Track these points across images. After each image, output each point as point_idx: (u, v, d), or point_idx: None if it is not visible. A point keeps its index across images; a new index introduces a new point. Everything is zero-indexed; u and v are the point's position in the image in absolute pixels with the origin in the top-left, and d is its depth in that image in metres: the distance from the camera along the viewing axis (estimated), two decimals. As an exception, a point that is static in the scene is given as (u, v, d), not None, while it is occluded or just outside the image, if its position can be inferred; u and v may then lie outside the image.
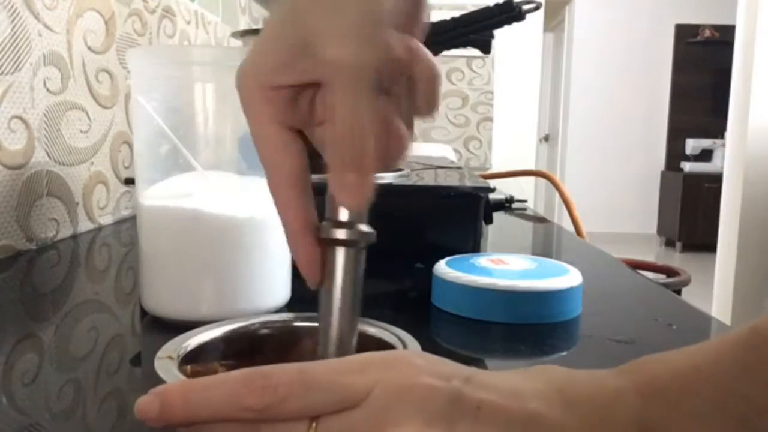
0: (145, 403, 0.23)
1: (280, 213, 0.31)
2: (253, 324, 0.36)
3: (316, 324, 0.36)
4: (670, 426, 0.23)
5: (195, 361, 0.33)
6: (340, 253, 0.30)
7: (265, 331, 0.37)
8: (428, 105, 0.32)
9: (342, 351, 0.30)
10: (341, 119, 0.28)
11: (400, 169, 0.84)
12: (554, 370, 0.26)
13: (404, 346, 0.33)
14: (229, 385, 0.23)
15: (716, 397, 0.23)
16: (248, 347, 0.36)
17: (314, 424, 0.23)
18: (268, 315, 0.38)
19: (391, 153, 0.30)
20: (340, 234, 0.30)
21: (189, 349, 0.33)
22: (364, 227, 0.30)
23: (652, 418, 0.24)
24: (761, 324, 0.25)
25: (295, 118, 0.30)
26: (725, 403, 0.23)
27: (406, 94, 0.31)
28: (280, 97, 0.30)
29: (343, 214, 0.30)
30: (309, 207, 0.31)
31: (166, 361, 0.30)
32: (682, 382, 0.24)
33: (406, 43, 0.30)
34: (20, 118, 0.72)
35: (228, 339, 0.35)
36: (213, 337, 0.34)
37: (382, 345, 0.34)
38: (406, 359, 0.25)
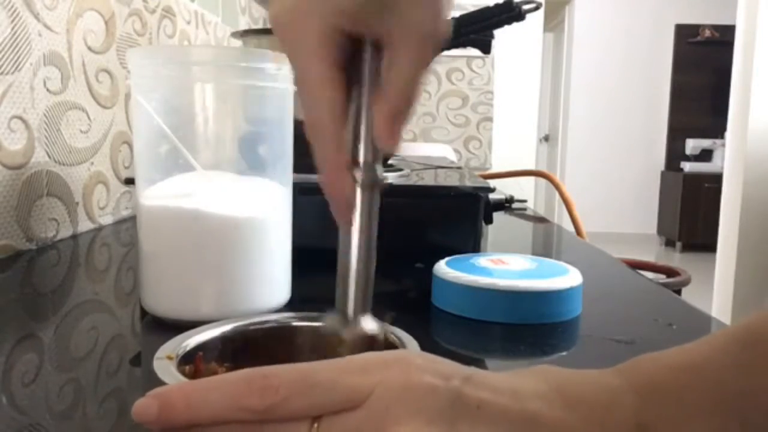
0: (143, 406, 0.23)
1: (321, 150, 0.32)
2: (253, 324, 0.36)
3: (315, 324, 0.36)
4: (667, 424, 0.24)
5: (194, 361, 0.33)
6: (364, 195, 0.32)
7: (264, 331, 0.37)
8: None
9: (362, 293, 0.32)
10: (407, 75, 0.31)
11: (400, 169, 0.84)
12: (553, 370, 0.26)
13: (403, 346, 0.33)
14: (230, 386, 0.23)
15: (712, 394, 0.24)
16: (247, 347, 0.36)
17: (316, 425, 0.23)
18: (268, 315, 0.38)
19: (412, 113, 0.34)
20: (365, 177, 0.32)
21: (188, 349, 0.33)
22: (381, 170, 0.33)
23: (649, 417, 0.24)
24: (755, 321, 0.25)
25: (344, 64, 0.32)
26: (722, 401, 0.23)
27: None
28: (341, 41, 0.31)
29: (363, 159, 0.32)
30: (345, 148, 0.32)
31: (165, 361, 0.30)
32: (679, 380, 0.24)
33: None
34: (20, 118, 0.72)
35: (227, 339, 0.35)
36: (212, 337, 0.34)
37: (379, 344, 0.34)
38: (407, 359, 0.25)
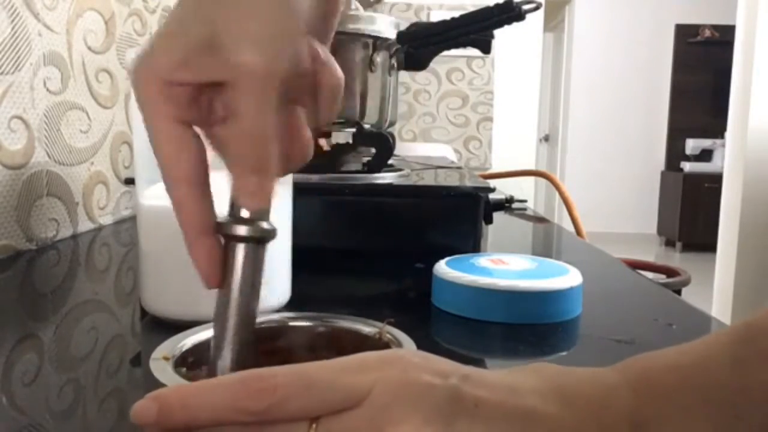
0: (142, 408, 0.23)
1: (176, 212, 0.30)
2: None
3: (312, 323, 0.36)
4: (663, 420, 0.24)
5: (191, 361, 0.33)
6: (240, 250, 0.29)
7: (262, 331, 0.36)
8: (329, 112, 0.32)
9: (237, 353, 0.29)
10: (245, 124, 0.28)
11: (400, 169, 0.84)
12: (549, 367, 0.26)
13: (400, 346, 0.33)
14: (228, 387, 0.23)
15: (708, 391, 0.24)
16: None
17: (314, 425, 0.23)
18: (266, 315, 0.38)
19: (294, 157, 0.31)
20: (242, 231, 0.29)
21: (184, 349, 0.32)
22: (266, 224, 0.30)
23: (645, 413, 0.24)
24: (754, 321, 0.25)
25: (194, 116, 0.29)
26: (718, 397, 0.24)
27: (309, 100, 0.31)
28: (180, 93, 0.29)
29: (245, 211, 0.29)
30: (208, 206, 0.30)
31: (161, 362, 0.30)
32: (675, 377, 0.25)
33: (314, 51, 0.31)
34: (20, 118, 0.72)
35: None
36: (208, 337, 0.34)
37: (376, 344, 0.34)
38: (404, 358, 0.25)
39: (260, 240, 0.30)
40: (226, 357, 0.29)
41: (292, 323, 0.37)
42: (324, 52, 0.31)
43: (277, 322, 0.37)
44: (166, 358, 0.30)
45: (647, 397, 0.24)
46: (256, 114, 0.28)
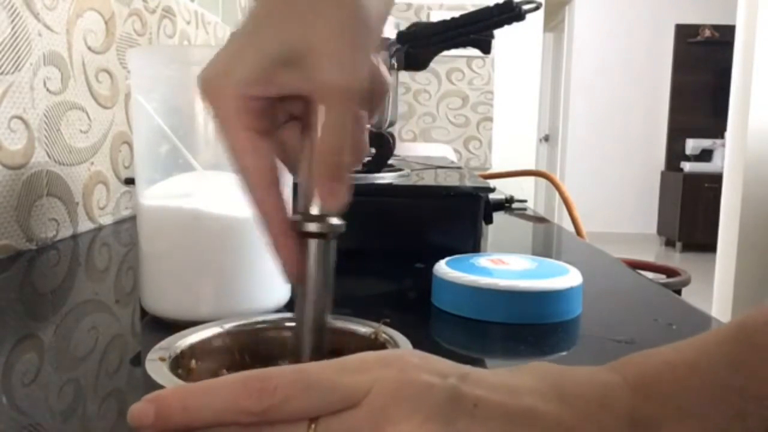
0: (139, 410, 0.23)
1: (260, 215, 0.32)
2: (246, 325, 0.36)
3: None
4: (661, 419, 0.24)
5: (186, 361, 0.33)
6: (313, 245, 0.32)
7: (257, 331, 0.36)
8: (377, 115, 0.36)
9: (317, 339, 0.32)
10: (329, 137, 0.31)
11: (400, 169, 0.84)
12: (548, 367, 0.26)
13: (396, 346, 0.33)
14: (227, 388, 0.23)
15: (706, 390, 0.24)
16: (242, 348, 0.36)
17: (313, 425, 0.23)
18: (262, 315, 0.38)
19: (357, 161, 0.34)
20: (314, 227, 0.32)
21: (181, 349, 0.32)
22: (335, 220, 0.32)
23: (644, 412, 0.24)
24: (748, 320, 0.25)
25: (267, 125, 0.32)
26: (715, 396, 0.24)
27: (365, 105, 0.34)
28: (255, 106, 0.31)
29: (315, 208, 0.32)
30: (284, 206, 0.32)
31: (157, 362, 0.30)
32: (673, 376, 0.25)
33: (376, 62, 0.34)
34: (20, 118, 0.72)
35: (220, 339, 0.35)
36: (205, 337, 0.34)
37: (373, 344, 0.34)
38: (403, 358, 0.25)
39: (331, 235, 0.32)
40: (307, 345, 0.32)
41: (288, 323, 0.37)
42: (377, 60, 0.34)
43: (274, 323, 0.37)
44: (162, 359, 0.30)
45: (645, 395, 0.24)
46: (337, 128, 0.31)
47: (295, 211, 0.33)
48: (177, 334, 0.33)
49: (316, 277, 0.32)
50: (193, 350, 0.33)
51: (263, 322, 0.37)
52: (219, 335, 0.35)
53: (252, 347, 0.36)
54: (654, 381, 0.25)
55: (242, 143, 0.31)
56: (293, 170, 0.35)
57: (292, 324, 0.34)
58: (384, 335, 0.34)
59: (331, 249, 0.33)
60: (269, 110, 0.32)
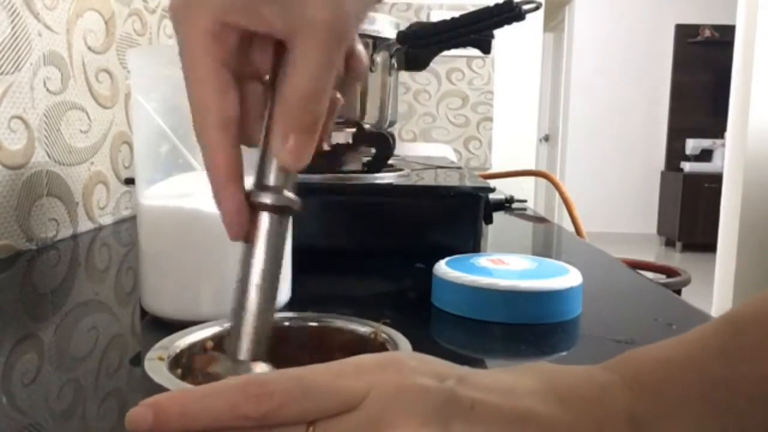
0: (137, 415, 0.22)
1: (206, 159, 0.29)
2: None
3: (307, 324, 0.36)
4: (658, 416, 0.24)
5: (185, 362, 0.33)
6: (266, 219, 0.29)
7: None
8: (359, 78, 0.33)
9: (258, 331, 0.29)
10: (306, 80, 0.27)
11: (400, 169, 0.84)
12: (544, 367, 0.26)
13: (395, 346, 0.33)
14: (226, 393, 0.23)
15: (699, 385, 0.24)
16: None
17: (312, 429, 0.23)
18: None
19: (329, 119, 0.30)
20: (269, 199, 0.29)
21: (180, 349, 0.32)
22: (291, 194, 0.29)
23: (640, 410, 0.24)
24: (735, 315, 0.26)
25: (236, 65, 0.29)
26: (708, 392, 0.24)
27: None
28: (228, 38, 0.28)
29: (271, 178, 0.29)
30: (238, 156, 0.29)
31: (156, 362, 0.30)
32: (666, 372, 0.25)
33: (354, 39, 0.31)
34: (20, 118, 0.72)
35: (219, 339, 0.35)
36: (204, 337, 0.34)
37: (372, 344, 0.34)
38: (401, 361, 0.25)
39: (285, 209, 0.29)
40: (246, 337, 0.28)
41: (287, 323, 0.37)
42: (356, 38, 0.32)
43: (274, 323, 0.37)
44: (161, 359, 0.30)
45: (641, 393, 0.25)
46: (319, 70, 0.27)
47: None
48: (176, 334, 0.33)
49: (264, 258, 0.29)
50: (192, 349, 0.33)
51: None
52: (217, 335, 0.35)
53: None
54: (649, 379, 0.25)
55: (207, 73, 0.28)
56: (247, 139, 0.30)
57: (235, 316, 0.29)
58: (383, 335, 0.34)
59: (284, 227, 0.29)
60: (240, 52, 0.28)
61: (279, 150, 0.28)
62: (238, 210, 0.29)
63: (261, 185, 0.29)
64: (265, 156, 0.29)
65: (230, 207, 0.29)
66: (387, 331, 0.34)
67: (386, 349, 0.33)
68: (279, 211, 0.29)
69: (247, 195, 0.29)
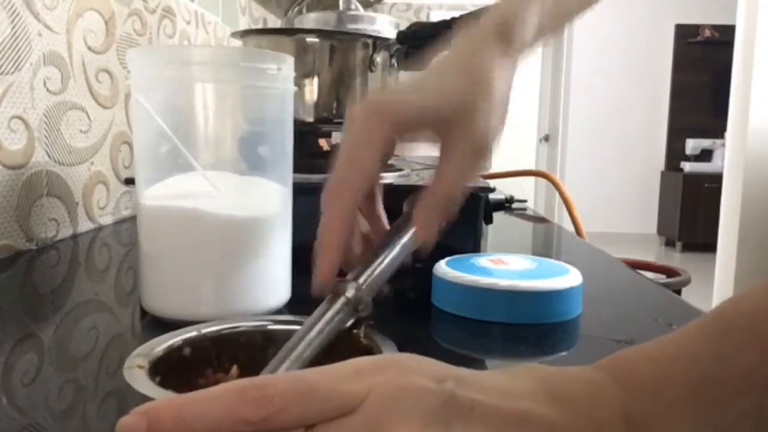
0: (129, 423, 0.21)
1: (330, 220, 0.37)
2: (225, 329, 0.36)
3: (291, 327, 0.36)
4: (650, 414, 0.24)
5: (167, 370, 0.32)
6: (337, 304, 0.33)
7: (242, 334, 0.36)
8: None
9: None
10: (454, 180, 0.39)
11: (400, 169, 0.84)
12: (539, 368, 0.26)
13: (379, 348, 0.33)
14: (223, 398, 0.22)
15: (691, 384, 0.24)
16: (220, 352, 0.35)
17: None
18: (243, 320, 0.38)
19: (450, 212, 0.42)
20: (348, 289, 0.34)
21: (159, 355, 0.32)
22: (368, 299, 0.34)
23: (633, 408, 0.24)
24: (724, 311, 0.26)
25: (384, 156, 0.39)
26: (701, 390, 0.24)
27: None
28: (390, 132, 0.38)
29: (361, 279, 0.35)
30: (354, 226, 0.38)
31: (135, 370, 0.30)
32: (658, 371, 0.25)
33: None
34: (20, 118, 0.72)
35: (198, 344, 0.35)
36: (182, 339, 0.34)
37: (362, 349, 0.34)
38: (400, 363, 0.25)
39: (355, 305, 0.34)
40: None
41: (271, 327, 0.37)
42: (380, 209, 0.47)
43: (257, 327, 0.37)
44: (140, 367, 0.30)
45: (634, 392, 0.25)
46: (462, 173, 0.39)
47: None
48: (154, 340, 0.33)
49: (315, 336, 0.32)
50: (171, 355, 0.33)
51: (244, 326, 0.37)
52: (196, 339, 0.35)
53: (233, 351, 0.36)
54: (640, 378, 0.25)
55: (370, 156, 0.37)
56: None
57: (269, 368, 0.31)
58: (364, 340, 0.34)
59: (343, 320, 0.33)
60: (390, 146, 0.39)
61: (419, 221, 0.39)
62: (331, 273, 0.36)
63: (354, 279, 0.35)
64: (369, 263, 0.36)
65: (326, 270, 0.36)
66: (370, 334, 0.34)
67: (371, 351, 0.33)
68: (352, 306, 0.34)
69: (336, 284, 0.35)
